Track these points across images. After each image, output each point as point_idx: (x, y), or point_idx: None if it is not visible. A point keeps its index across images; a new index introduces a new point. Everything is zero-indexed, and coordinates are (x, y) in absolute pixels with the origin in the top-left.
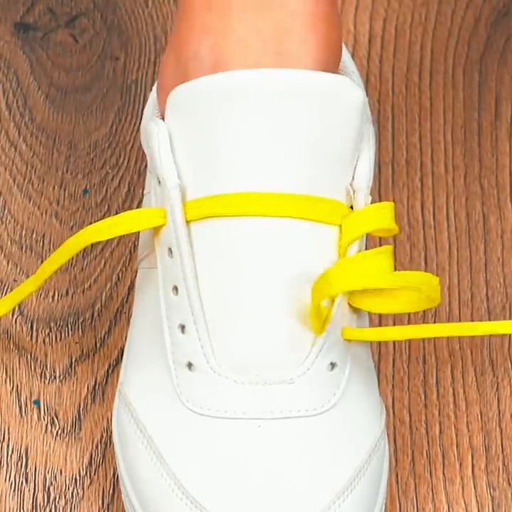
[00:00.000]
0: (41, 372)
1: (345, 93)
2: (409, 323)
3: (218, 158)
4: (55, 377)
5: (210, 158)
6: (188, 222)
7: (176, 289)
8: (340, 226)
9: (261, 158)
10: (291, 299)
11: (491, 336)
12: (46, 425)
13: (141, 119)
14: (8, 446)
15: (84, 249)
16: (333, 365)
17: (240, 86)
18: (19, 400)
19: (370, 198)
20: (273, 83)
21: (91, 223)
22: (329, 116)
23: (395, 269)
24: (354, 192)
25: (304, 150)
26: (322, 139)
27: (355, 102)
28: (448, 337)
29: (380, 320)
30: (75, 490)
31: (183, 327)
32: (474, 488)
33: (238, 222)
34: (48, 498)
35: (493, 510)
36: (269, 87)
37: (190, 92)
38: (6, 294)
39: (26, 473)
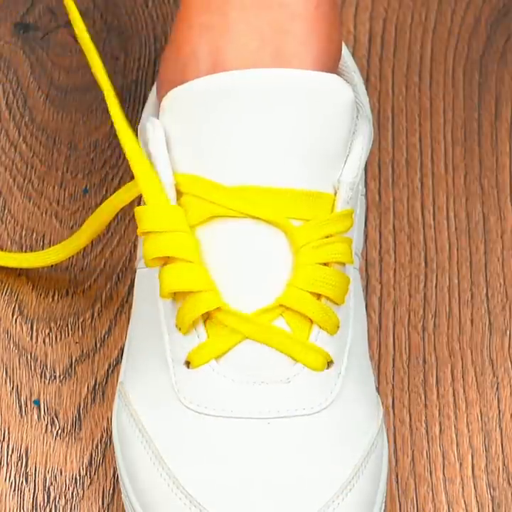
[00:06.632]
0: (41, 372)
1: (335, 92)
2: (409, 322)
3: (213, 156)
4: (55, 377)
5: (206, 157)
6: None
7: None
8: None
9: (256, 156)
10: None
11: (490, 335)
12: (46, 425)
13: (141, 119)
14: (8, 446)
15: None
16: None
17: (235, 85)
18: (19, 400)
19: (351, 193)
20: (266, 82)
21: None
22: (319, 115)
23: (393, 268)
24: (338, 188)
25: (296, 147)
26: (312, 137)
27: (344, 100)
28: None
29: (379, 319)
30: (75, 490)
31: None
32: (474, 488)
33: (236, 224)
34: (48, 498)
35: (493, 510)
36: (262, 87)
37: (186, 92)
38: (6, 294)
39: (26, 473)
